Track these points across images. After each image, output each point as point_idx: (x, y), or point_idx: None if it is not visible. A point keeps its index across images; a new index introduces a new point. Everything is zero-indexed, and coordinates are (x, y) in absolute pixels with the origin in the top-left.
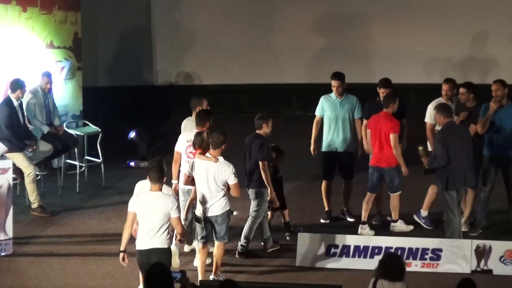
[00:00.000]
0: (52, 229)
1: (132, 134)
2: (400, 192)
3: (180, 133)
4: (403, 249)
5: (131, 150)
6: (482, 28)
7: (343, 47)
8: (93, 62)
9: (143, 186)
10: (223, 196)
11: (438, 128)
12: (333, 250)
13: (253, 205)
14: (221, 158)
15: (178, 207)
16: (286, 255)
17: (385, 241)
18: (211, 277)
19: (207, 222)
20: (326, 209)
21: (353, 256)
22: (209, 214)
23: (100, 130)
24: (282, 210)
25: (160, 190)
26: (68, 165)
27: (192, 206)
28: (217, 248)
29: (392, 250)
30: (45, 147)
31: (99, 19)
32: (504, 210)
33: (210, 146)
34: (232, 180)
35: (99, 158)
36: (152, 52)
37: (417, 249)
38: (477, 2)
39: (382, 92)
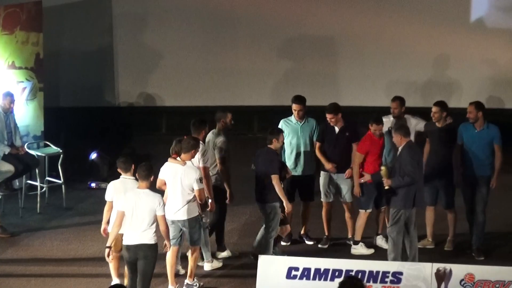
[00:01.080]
0: (12, 250)
1: (94, 155)
2: (365, 210)
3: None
4: (363, 272)
5: (92, 171)
6: (443, 51)
7: (306, 69)
8: (54, 82)
9: (115, 185)
10: (190, 201)
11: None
12: (293, 272)
13: (266, 219)
14: (188, 163)
15: (164, 206)
16: (246, 277)
17: (345, 264)
18: (186, 281)
19: (176, 225)
20: None
21: (314, 278)
22: (177, 218)
23: (61, 151)
24: (282, 225)
25: (147, 188)
26: (29, 185)
27: None
28: (191, 254)
29: (353, 273)
30: (6, 167)
31: (61, 39)
32: (466, 234)
33: (182, 151)
34: (196, 186)
35: (60, 179)
36: (114, 73)
37: (377, 272)
38: (439, 26)
39: (328, 117)
